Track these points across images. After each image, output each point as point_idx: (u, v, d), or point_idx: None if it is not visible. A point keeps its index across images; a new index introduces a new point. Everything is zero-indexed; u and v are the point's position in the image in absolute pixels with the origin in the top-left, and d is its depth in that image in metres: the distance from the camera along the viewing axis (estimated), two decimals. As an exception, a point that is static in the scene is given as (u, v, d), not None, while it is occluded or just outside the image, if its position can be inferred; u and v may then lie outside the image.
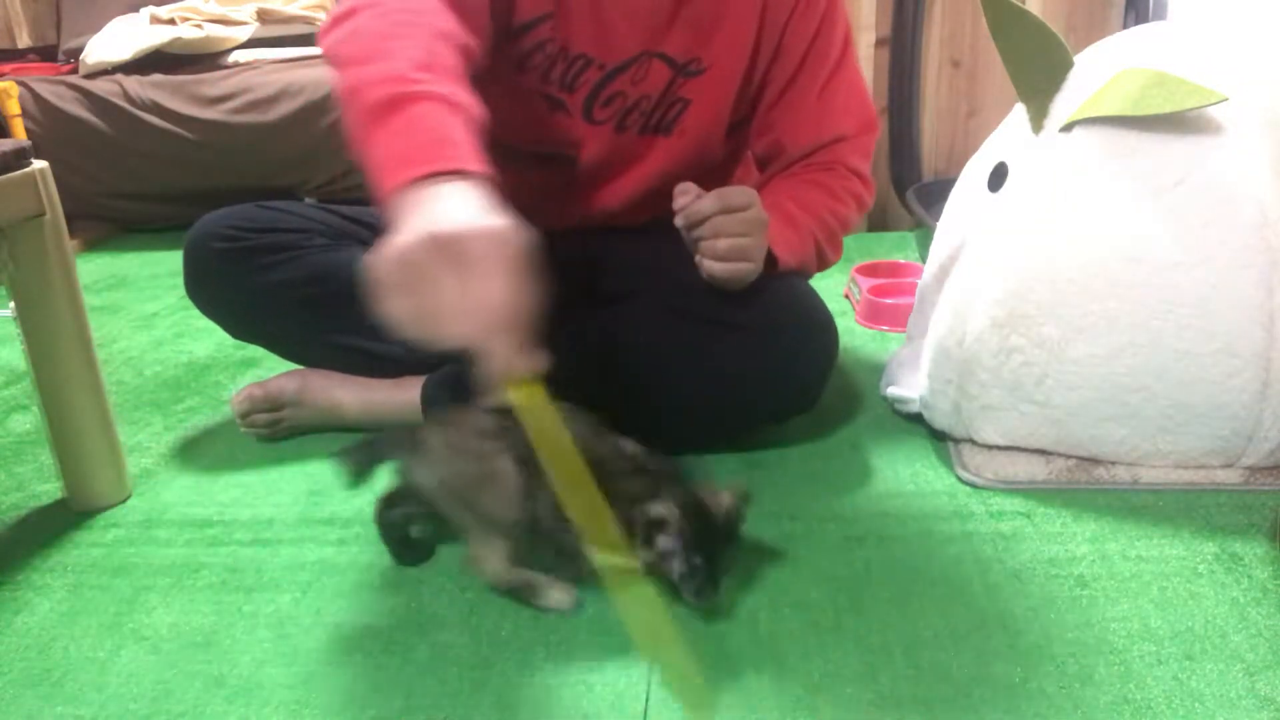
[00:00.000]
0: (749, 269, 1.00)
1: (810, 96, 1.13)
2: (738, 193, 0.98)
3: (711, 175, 1.18)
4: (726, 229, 0.98)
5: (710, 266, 0.99)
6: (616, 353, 1.10)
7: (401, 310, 0.62)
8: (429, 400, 1.19)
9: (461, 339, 0.62)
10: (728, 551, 0.83)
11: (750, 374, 1.05)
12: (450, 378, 1.19)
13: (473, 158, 0.71)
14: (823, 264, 1.15)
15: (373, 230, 1.21)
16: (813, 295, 1.09)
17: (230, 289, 1.16)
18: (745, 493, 0.85)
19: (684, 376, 1.07)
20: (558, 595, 0.86)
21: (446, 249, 0.62)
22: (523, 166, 1.16)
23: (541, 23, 1.07)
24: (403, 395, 1.20)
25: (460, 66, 0.80)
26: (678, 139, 1.14)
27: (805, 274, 1.13)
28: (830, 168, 1.14)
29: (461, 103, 0.76)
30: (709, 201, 0.96)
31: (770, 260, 1.04)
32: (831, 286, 1.70)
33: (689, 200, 0.96)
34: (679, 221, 0.97)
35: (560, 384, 1.10)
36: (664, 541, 0.80)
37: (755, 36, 1.10)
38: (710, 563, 0.80)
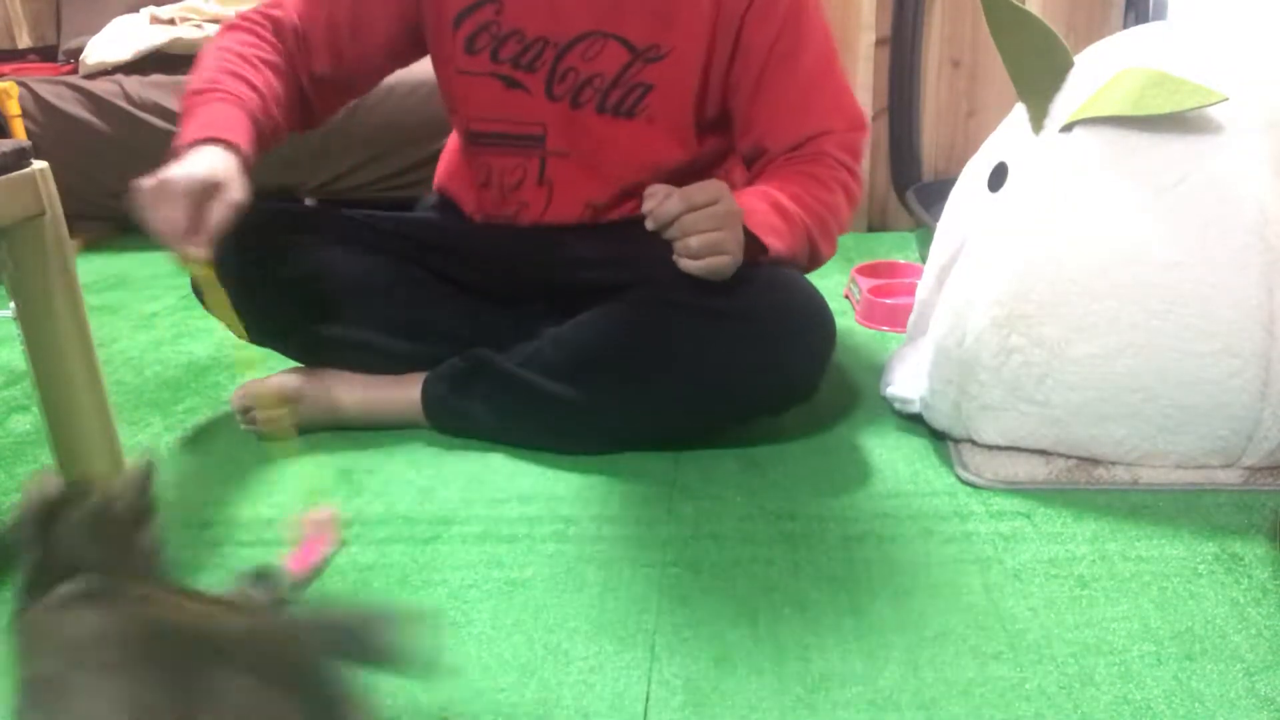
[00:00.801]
0: (726, 262, 1.01)
1: (788, 93, 1.14)
2: (702, 189, 0.99)
3: (700, 174, 1.19)
4: (695, 226, 0.99)
5: (686, 265, 1.01)
6: (612, 346, 1.11)
7: (141, 213, 0.94)
8: (429, 397, 1.20)
9: (156, 234, 0.93)
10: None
11: (746, 362, 1.06)
12: (451, 374, 1.19)
13: (227, 130, 1.00)
14: (816, 257, 1.15)
15: (374, 230, 1.22)
16: (806, 283, 1.10)
17: (234, 286, 1.16)
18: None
19: (679, 367, 1.08)
20: None
21: (160, 182, 0.94)
22: (498, 150, 1.21)
23: (481, 6, 1.13)
24: (403, 394, 1.21)
25: (260, 77, 1.08)
26: (646, 125, 1.16)
27: (798, 265, 1.13)
28: (817, 159, 1.15)
29: (240, 98, 1.05)
30: (674, 202, 0.98)
31: (762, 250, 1.05)
32: (831, 286, 1.70)
33: (656, 203, 0.98)
34: (649, 225, 0.99)
35: (559, 375, 1.12)
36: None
37: (712, 25, 1.12)
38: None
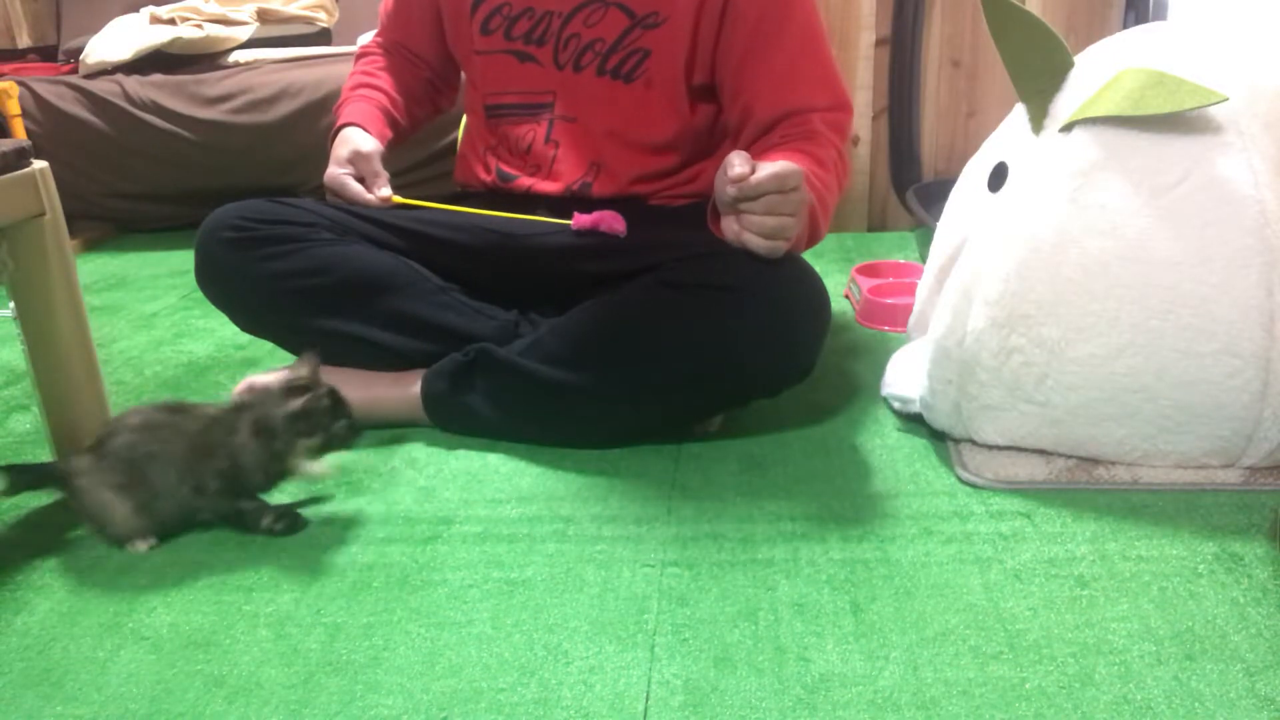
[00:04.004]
0: (785, 248, 1.04)
1: (775, 64, 1.17)
2: (794, 174, 1.00)
3: (695, 138, 1.26)
4: (778, 208, 1.01)
5: (752, 241, 1.02)
6: (610, 327, 1.12)
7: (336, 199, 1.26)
8: (429, 394, 1.20)
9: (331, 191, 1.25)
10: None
11: (745, 333, 1.06)
12: (451, 369, 1.19)
13: (366, 120, 1.28)
14: (814, 235, 1.16)
15: (378, 226, 1.23)
16: (800, 257, 1.11)
17: (237, 278, 1.20)
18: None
19: (678, 342, 1.08)
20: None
21: (330, 179, 1.24)
22: (513, 120, 1.30)
23: None
24: (403, 391, 1.21)
25: (392, 81, 1.37)
26: (644, 89, 1.22)
27: (799, 244, 1.13)
28: (812, 136, 1.16)
29: (378, 93, 1.34)
30: (767, 178, 0.98)
31: None
32: (832, 287, 1.70)
33: (747, 171, 0.98)
34: (731, 190, 0.99)
35: (560, 361, 1.12)
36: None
37: None
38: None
